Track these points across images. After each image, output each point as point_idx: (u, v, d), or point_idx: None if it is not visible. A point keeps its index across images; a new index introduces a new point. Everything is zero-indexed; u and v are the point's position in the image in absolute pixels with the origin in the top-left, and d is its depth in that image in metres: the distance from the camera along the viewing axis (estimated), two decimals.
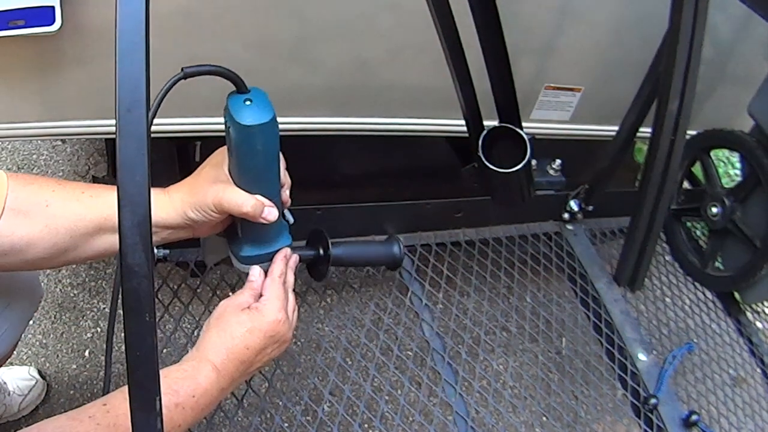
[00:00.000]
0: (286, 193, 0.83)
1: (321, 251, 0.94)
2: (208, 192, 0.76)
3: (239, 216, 0.77)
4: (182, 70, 0.65)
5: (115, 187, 0.78)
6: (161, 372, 0.69)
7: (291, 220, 0.86)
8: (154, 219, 0.77)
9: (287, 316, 0.79)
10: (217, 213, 0.77)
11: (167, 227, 0.80)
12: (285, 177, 0.82)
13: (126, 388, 0.67)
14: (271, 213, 0.78)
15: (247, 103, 0.71)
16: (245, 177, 0.76)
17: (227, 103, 0.71)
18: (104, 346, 1.62)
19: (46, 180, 0.77)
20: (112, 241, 0.77)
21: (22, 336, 1.56)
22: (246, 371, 0.77)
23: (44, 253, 0.75)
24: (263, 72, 1.13)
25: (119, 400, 0.66)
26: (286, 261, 0.84)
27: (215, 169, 0.78)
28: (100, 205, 0.76)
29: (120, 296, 0.65)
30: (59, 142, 2.07)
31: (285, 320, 0.79)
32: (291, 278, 0.85)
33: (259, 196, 0.77)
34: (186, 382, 0.70)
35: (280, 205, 0.80)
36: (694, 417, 1.17)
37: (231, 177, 0.77)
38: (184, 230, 0.81)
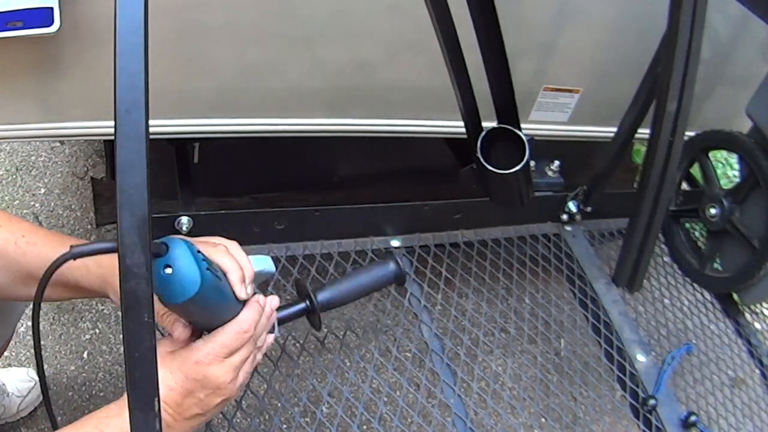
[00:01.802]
0: (248, 290, 0.74)
1: (307, 303, 0.87)
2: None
3: None
4: (71, 248, 0.57)
5: (53, 237, 0.78)
6: (90, 413, 0.67)
7: (272, 271, 0.83)
8: (77, 282, 0.76)
9: (219, 362, 0.70)
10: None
11: (87, 290, 0.79)
12: (245, 269, 0.74)
13: (93, 415, 0.66)
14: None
15: (167, 271, 0.60)
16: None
17: None
18: (103, 347, 1.62)
19: None
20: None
21: (21, 337, 1.57)
22: (183, 414, 0.71)
23: None
24: (262, 73, 1.13)
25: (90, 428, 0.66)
26: (259, 309, 0.74)
27: None
28: (32, 256, 0.76)
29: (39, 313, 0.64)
30: (58, 144, 2.07)
31: (210, 364, 0.70)
32: (262, 324, 0.75)
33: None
34: (112, 421, 0.66)
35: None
36: (692, 418, 1.17)
37: None
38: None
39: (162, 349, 0.71)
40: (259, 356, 0.78)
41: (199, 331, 0.73)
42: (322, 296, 0.87)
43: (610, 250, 1.54)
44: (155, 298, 0.61)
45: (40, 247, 0.77)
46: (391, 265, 0.93)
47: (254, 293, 0.77)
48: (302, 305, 0.87)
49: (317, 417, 1.06)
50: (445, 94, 1.02)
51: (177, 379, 0.70)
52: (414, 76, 1.23)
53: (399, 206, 1.34)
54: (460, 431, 1.08)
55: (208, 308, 0.67)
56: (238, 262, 0.74)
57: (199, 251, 0.64)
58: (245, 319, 0.72)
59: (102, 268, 0.77)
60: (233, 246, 0.76)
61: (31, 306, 0.66)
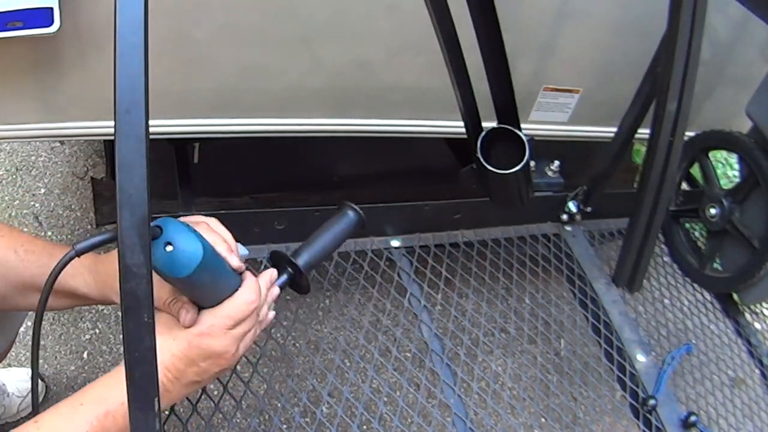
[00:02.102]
0: (239, 263, 0.76)
1: (290, 269, 0.89)
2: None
3: None
4: (73, 247, 0.59)
5: (52, 246, 0.80)
6: (89, 384, 0.69)
7: (246, 254, 0.83)
8: (75, 290, 0.77)
9: (222, 334, 0.73)
10: None
11: (86, 298, 0.80)
12: (229, 241, 0.76)
13: (57, 405, 0.67)
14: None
15: (169, 248, 0.61)
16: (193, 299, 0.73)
17: None
18: (103, 347, 1.62)
19: None
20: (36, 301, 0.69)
21: (21, 338, 1.57)
22: (181, 380, 0.73)
23: None
24: (262, 73, 1.13)
25: (50, 417, 0.66)
26: (269, 283, 0.80)
27: None
28: (30, 262, 0.77)
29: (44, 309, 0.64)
30: (58, 144, 2.07)
31: (213, 336, 0.72)
32: (265, 295, 0.79)
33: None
34: (113, 390, 0.68)
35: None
36: (692, 418, 1.17)
37: None
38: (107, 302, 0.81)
39: (167, 317, 0.73)
40: (259, 331, 0.80)
41: None
42: (302, 259, 0.90)
43: (610, 250, 1.54)
44: (158, 287, 0.63)
45: (38, 255, 0.78)
46: (350, 213, 0.96)
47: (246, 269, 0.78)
48: (287, 273, 0.89)
49: (317, 417, 1.06)
50: (445, 94, 1.02)
51: (180, 346, 0.71)
52: (414, 76, 1.23)
53: (399, 206, 1.34)
54: (460, 431, 1.08)
55: (213, 277, 0.69)
56: (221, 236, 0.75)
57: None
58: (250, 288, 0.74)
59: (98, 274, 0.78)
60: (213, 222, 0.78)
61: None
